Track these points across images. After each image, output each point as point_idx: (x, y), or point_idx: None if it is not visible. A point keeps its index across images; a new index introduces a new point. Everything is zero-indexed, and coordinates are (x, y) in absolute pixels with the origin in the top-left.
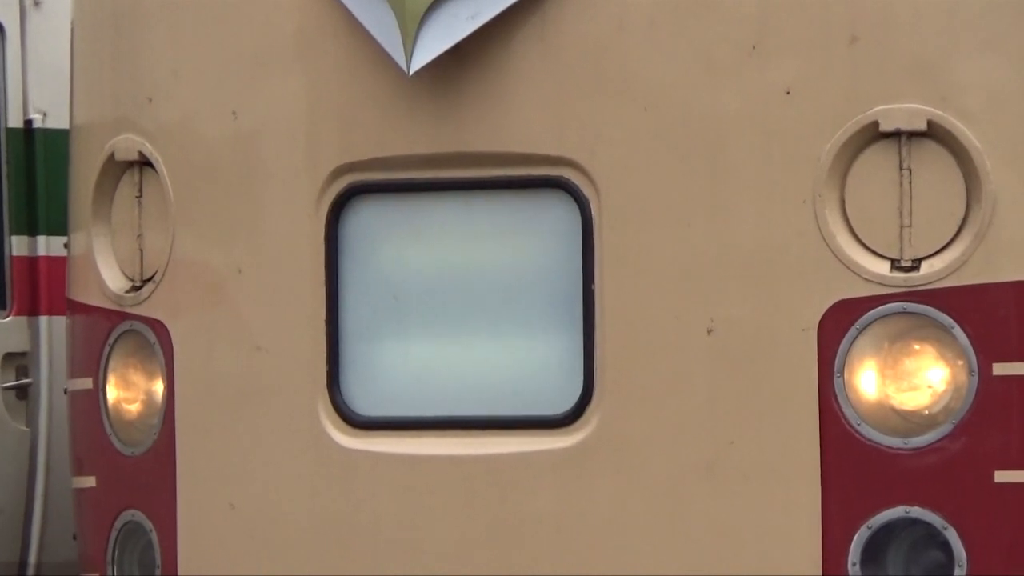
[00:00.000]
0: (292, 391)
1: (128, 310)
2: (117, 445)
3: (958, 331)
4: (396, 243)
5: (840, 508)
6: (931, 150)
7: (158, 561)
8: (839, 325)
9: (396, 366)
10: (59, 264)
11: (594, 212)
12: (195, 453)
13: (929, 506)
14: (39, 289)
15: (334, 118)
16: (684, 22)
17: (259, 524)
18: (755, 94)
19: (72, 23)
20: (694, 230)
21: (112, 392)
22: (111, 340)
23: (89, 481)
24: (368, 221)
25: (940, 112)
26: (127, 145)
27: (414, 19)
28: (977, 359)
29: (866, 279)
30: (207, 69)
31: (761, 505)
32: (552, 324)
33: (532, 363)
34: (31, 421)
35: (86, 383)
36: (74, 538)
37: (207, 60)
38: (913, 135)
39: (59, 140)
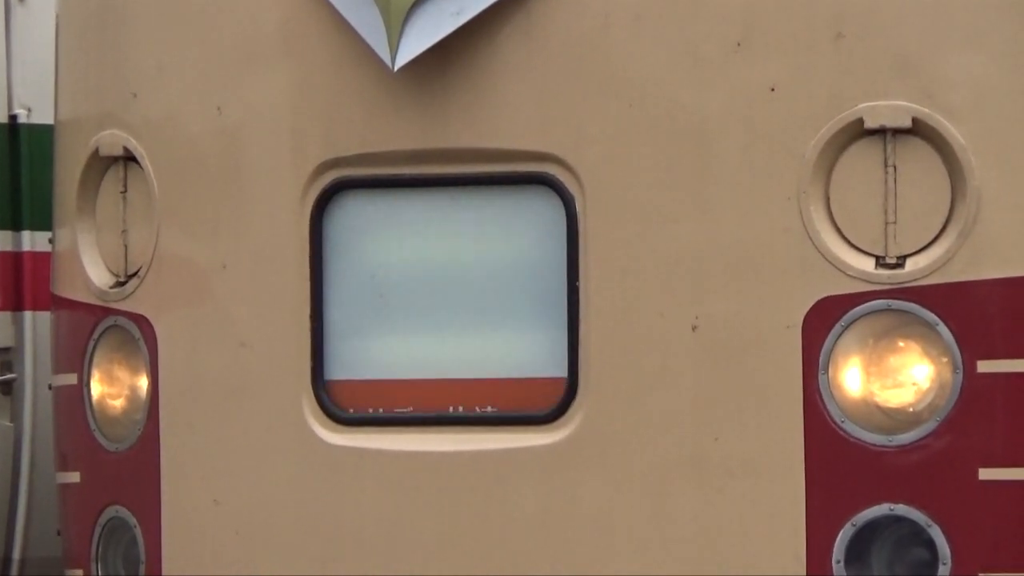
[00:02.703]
0: (277, 387)
1: (113, 305)
2: (101, 441)
3: (943, 328)
4: (381, 239)
5: (824, 505)
6: (916, 147)
7: (142, 557)
8: (824, 322)
9: (381, 362)
10: (43, 259)
11: (579, 208)
12: (179, 449)
13: (913, 503)
14: (23, 284)
15: (319, 114)
16: (669, 18)
17: (243, 520)
18: (740, 91)
19: (57, 18)
20: (679, 227)
21: (96, 388)
22: (95, 335)
23: (73, 477)
24: (353, 217)
25: (925, 109)
26: (112, 140)
27: (399, 15)
28: (962, 356)
29: (851, 276)
30: (192, 64)
31: (745, 502)
32: (537, 320)
33: (517, 359)
34: (15, 417)
35: (70, 379)
36: (58, 534)
37: (192, 55)
38: (898, 132)
39: (44, 135)
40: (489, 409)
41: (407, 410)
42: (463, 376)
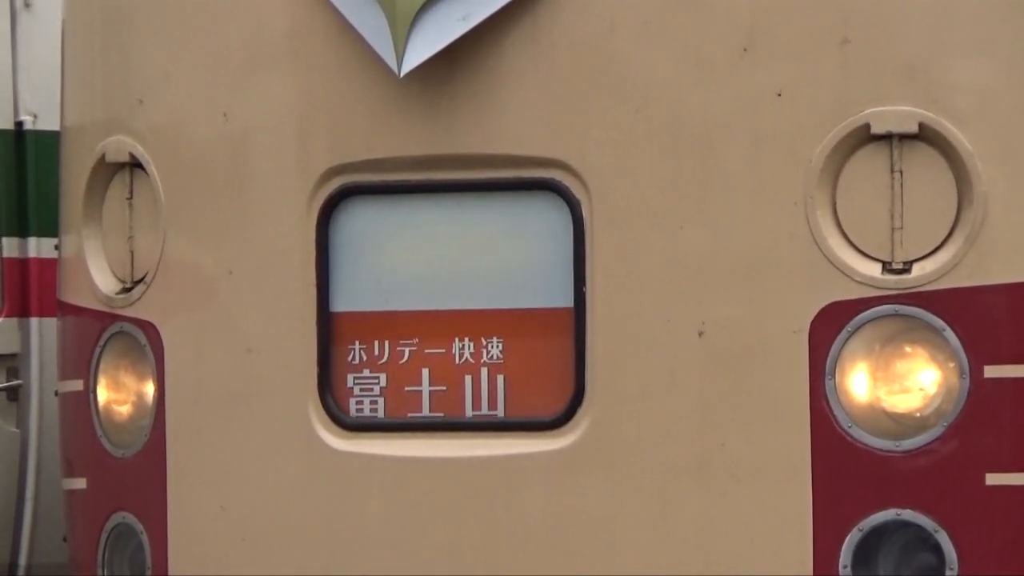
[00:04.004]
0: (283, 393)
1: (119, 312)
2: (108, 447)
3: (949, 333)
4: (387, 245)
5: (831, 511)
6: (922, 152)
7: (149, 563)
8: (830, 327)
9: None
10: (50, 266)
11: (585, 214)
12: (186, 455)
13: (920, 509)
14: (30, 291)
15: (325, 120)
16: (675, 23)
17: (250, 526)
18: (746, 96)
19: (63, 24)
20: (685, 232)
21: (103, 394)
22: (102, 342)
23: (80, 483)
24: (359, 223)
25: (931, 114)
26: (118, 147)
27: (405, 21)
28: (968, 361)
29: (857, 281)
30: (198, 70)
31: (752, 507)
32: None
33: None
34: (22, 423)
35: (77, 385)
36: (64, 540)
37: (198, 61)
38: (904, 137)
39: (50, 142)
40: (495, 340)
41: (413, 342)
42: (470, 307)
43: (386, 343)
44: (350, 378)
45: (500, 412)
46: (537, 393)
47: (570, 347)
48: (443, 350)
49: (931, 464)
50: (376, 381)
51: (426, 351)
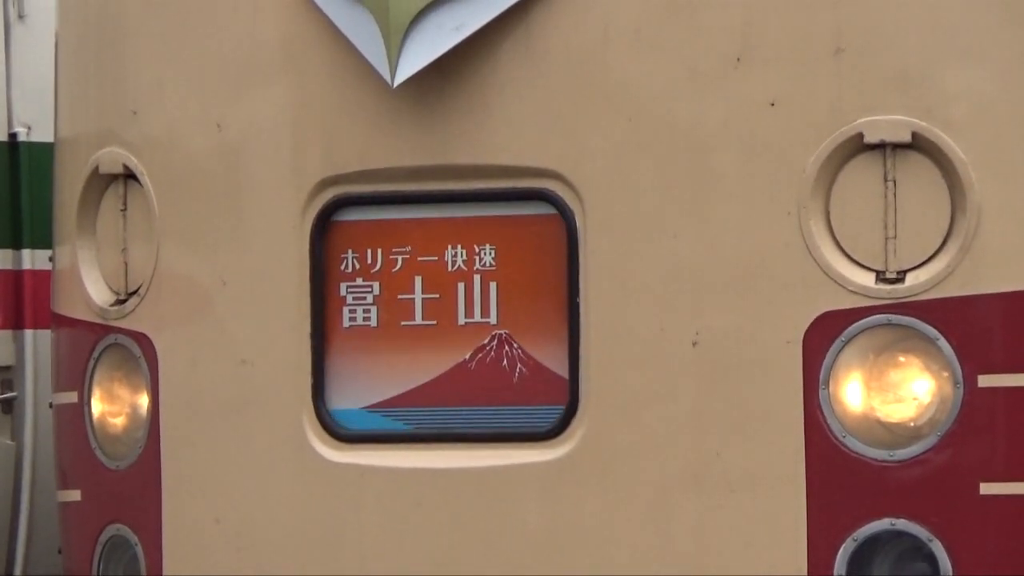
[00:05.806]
0: (277, 404)
1: (113, 323)
2: (102, 459)
3: (943, 343)
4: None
5: (826, 520)
6: (916, 162)
7: (143, 575)
8: (824, 337)
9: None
10: (44, 277)
11: (579, 224)
12: (180, 467)
13: (915, 518)
14: (24, 302)
15: (319, 130)
16: (669, 33)
17: (244, 538)
18: (740, 105)
19: (56, 36)
20: (679, 242)
21: (97, 406)
22: (96, 354)
23: (74, 495)
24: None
25: (925, 124)
26: (112, 158)
27: (398, 31)
28: (962, 371)
29: (851, 291)
30: (191, 81)
31: (747, 517)
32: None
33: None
34: (16, 435)
35: (71, 397)
36: (59, 552)
37: (191, 72)
38: (898, 147)
39: (44, 153)
40: (487, 247)
41: (405, 250)
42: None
43: (379, 251)
44: (343, 287)
45: (492, 319)
46: (529, 301)
47: (562, 255)
48: (435, 258)
49: (925, 473)
50: (369, 289)
51: (419, 259)
